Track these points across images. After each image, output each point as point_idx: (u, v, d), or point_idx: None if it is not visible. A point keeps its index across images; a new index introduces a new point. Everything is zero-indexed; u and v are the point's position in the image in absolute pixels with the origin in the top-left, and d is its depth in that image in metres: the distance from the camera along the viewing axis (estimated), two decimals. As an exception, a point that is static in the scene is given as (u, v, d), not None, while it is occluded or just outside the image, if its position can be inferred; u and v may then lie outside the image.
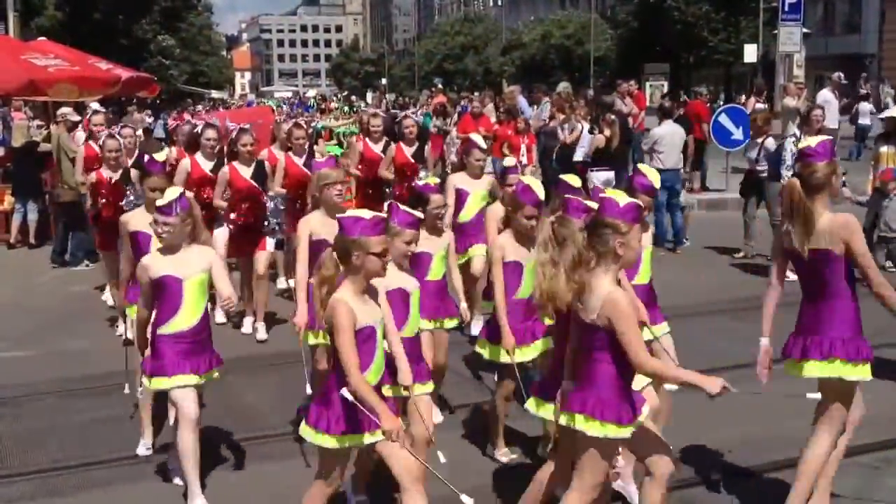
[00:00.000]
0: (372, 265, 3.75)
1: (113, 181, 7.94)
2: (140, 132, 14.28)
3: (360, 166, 9.78)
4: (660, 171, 11.60)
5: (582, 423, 3.60)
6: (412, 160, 9.34)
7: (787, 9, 21.97)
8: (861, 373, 4.07)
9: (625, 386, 3.63)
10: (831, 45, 43.80)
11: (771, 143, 10.16)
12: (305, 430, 3.90)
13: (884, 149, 9.77)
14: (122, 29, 37.77)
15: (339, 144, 15.41)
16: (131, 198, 7.06)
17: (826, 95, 17.09)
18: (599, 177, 12.13)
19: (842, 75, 18.23)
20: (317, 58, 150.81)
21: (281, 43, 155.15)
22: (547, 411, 3.98)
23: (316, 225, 5.42)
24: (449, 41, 71.58)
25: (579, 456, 3.67)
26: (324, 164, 5.95)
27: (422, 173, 8.94)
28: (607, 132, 12.54)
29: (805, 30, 31.50)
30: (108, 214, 7.78)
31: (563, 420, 3.69)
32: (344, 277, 3.78)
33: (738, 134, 14.35)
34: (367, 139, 9.98)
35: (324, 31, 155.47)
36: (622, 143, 12.67)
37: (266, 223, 8.07)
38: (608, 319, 3.49)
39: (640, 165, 5.47)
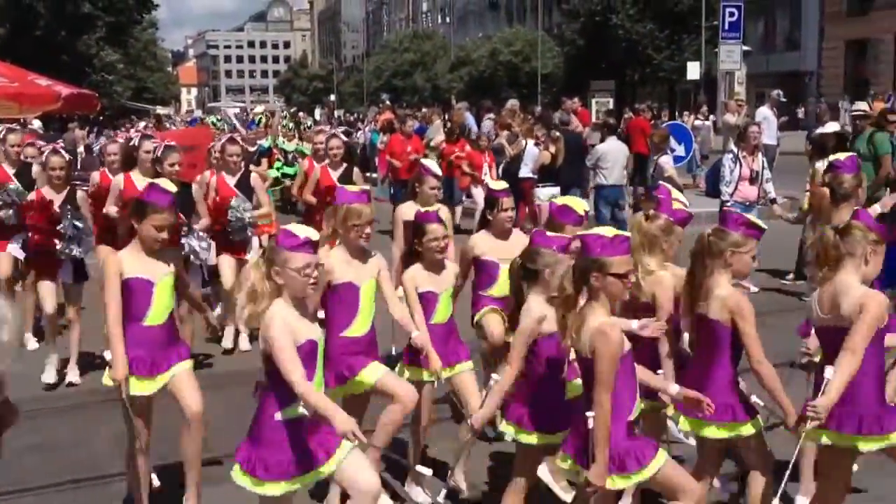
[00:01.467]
0: (613, 287, 3.53)
1: (51, 202, 7.09)
2: (81, 149, 14.07)
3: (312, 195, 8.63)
4: (603, 186, 11.92)
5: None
6: (338, 184, 7.97)
7: (727, 27, 22.45)
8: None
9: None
10: (772, 63, 44.80)
11: (665, 161, 10.35)
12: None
13: (818, 165, 9.99)
14: (65, 45, 37.22)
15: (288, 164, 15.19)
16: (69, 223, 6.88)
17: (765, 112, 17.45)
18: (544, 193, 12.29)
19: (780, 93, 18.65)
20: (265, 74, 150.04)
21: (228, 59, 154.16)
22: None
23: (337, 264, 4.70)
24: (397, 57, 71.74)
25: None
26: (355, 197, 4.77)
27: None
28: (552, 148, 12.69)
29: (746, 48, 32.18)
30: (39, 241, 7.13)
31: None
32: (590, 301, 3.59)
33: (679, 150, 14.62)
34: (323, 164, 8.74)
35: (272, 47, 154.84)
36: (576, 160, 12.81)
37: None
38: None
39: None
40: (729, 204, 9.23)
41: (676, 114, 37.04)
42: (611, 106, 27.90)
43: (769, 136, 16.95)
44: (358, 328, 4.69)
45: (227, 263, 7.85)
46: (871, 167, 9.65)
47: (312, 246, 3.69)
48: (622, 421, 3.52)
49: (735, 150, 9.50)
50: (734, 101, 18.55)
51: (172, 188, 4.77)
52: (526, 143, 13.33)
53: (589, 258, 3.53)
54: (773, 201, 9.92)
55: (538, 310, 3.97)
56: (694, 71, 34.06)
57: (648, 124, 17.03)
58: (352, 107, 68.84)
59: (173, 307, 4.76)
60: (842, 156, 5.09)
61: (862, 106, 10.57)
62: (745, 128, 9.79)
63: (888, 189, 9.49)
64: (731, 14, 22.49)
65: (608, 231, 3.60)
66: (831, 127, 10.67)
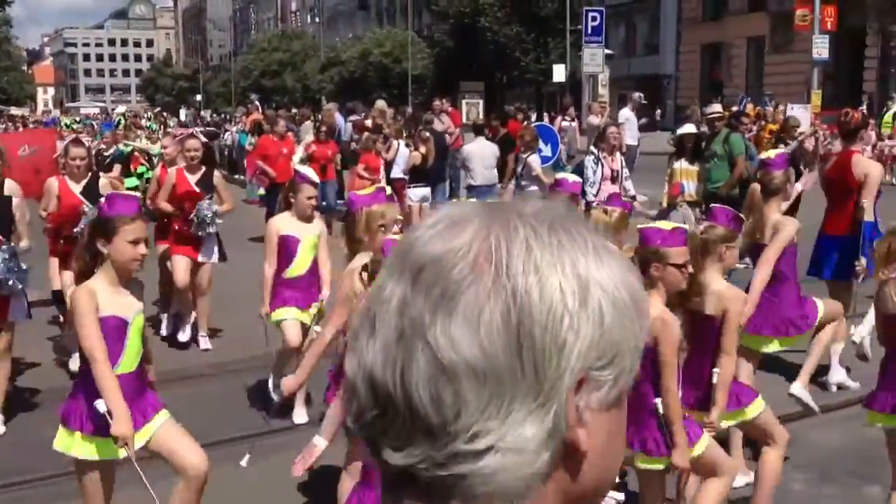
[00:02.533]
0: (672, 277, 3.61)
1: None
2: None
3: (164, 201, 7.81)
4: (471, 187, 12.02)
5: None
6: (196, 189, 7.59)
7: (590, 32, 23.06)
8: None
9: None
10: (633, 66, 46.34)
11: (534, 160, 10.58)
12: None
13: (677, 164, 10.37)
14: None
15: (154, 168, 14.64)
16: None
17: (626, 114, 18.01)
18: (416, 193, 12.32)
19: (641, 95, 19.29)
20: (126, 73, 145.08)
21: (87, 57, 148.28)
22: None
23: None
24: (266, 57, 70.61)
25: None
26: (370, 199, 4.43)
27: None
28: (423, 149, 12.73)
29: (608, 51, 33.14)
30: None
31: None
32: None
33: (546, 150, 14.88)
34: (179, 167, 7.91)
35: (133, 46, 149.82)
36: (438, 160, 12.92)
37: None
38: None
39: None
40: (594, 205, 9.46)
41: (544, 115, 37.87)
42: (481, 107, 28.25)
43: (631, 136, 17.51)
44: None
45: (181, 264, 7.59)
46: (727, 167, 10.07)
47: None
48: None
49: (595, 151, 9.73)
50: (598, 102, 19.07)
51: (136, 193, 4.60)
52: (399, 145, 13.34)
53: (649, 249, 3.61)
54: (633, 199, 10.23)
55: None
56: (559, 73, 34.83)
57: (520, 125, 17.29)
58: (219, 107, 67.26)
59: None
60: (772, 153, 5.59)
61: (717, 108, 11.03)
62: (604, 129, 10.03)
63: (737, 188, 9.90)
64: (594, 19, 23.13)
65: (666, 224, 3.76)
66: (689, 128, 11.06)
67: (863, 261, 4.64)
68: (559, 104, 34.51)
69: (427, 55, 53.58)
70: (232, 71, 79.60)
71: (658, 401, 3.57)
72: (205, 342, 7.91)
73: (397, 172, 12.94)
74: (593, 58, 23.17)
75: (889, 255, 3.86)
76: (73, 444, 3.74)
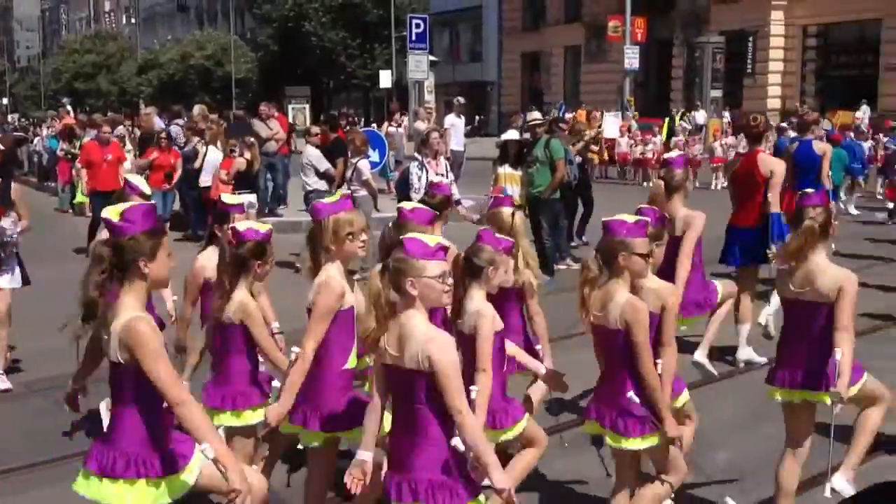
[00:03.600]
0: (637, 265, 3.78)
1: None
2: None
3: None
4: (310, 192, 11.84)
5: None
6: None
7: (414, 38, 23.31)
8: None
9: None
10: (458, 73, 47.22)
11: (364, 165, 10.63)
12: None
13: (501, 169, 10.63)
14: None
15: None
16: None
17: (452, 119, 18.30)
18: (242, 200, 12.01)
19: (461, 98, 19.67)
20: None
21: None
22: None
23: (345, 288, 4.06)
24: (78, 59, 67.17)
25: None
26: (338, 207, 4.16)
27: None
28: (248, 155, 12.46)
29: (433, 58, 33.61)
30: None
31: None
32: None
33: (374, 156, 14.92)
34: None
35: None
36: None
37: None
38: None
39: None
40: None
41: (372, 120, 37.97)
42: (308, 112, 27.98)
43: (456, 142, 17.82)
44: (354, 359, 4.15)
45: None
46: (548, 170, 10.40)
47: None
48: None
49: (420, 156, 9.82)
50: (424, 108, 19.28)
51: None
52: (207, 150, 13.04)
53: (615, 240, 3.84)
54: (458, 203, 10.41)
55: (486, 307, 3.90)
56: (386, 79, 35.02)
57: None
58: (28, 111, 63.44)
59: None
60: (674, 153, 6.34)
61: (536, 115, 11.38)
62: (427, 135, 10.14)
63: (558, 191, 10.23)
64: (418, 26, 23.40)
65: (630, 217, 3.97)
66: (512, 134, 11.36)
67: (773, 248, 5.03)
68: (386, 110, 34.72)
69: (250, 59, 52.58)
70: (41, 73, 75.28)
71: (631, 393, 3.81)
72: (3, 382, 6.92)
73: (206, 180, 12.65)
74: (418, 64, 23.43)
75: (797, 251, 4.17)
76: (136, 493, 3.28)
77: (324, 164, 11.29)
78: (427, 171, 9.78)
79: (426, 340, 3.14)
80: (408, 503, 3.17)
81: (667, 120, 27.06)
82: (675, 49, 36.24)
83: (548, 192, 10.42)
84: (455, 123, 18.12)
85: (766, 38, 33.00)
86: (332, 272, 3.99)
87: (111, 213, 3.26)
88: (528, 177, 10.52)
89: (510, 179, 10.68)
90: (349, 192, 9.91)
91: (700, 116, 29.21)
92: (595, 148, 16.16)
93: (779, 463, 4.29)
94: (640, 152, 22.82)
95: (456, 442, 3.13)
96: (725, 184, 20.21)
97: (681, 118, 27.00)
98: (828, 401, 3.96)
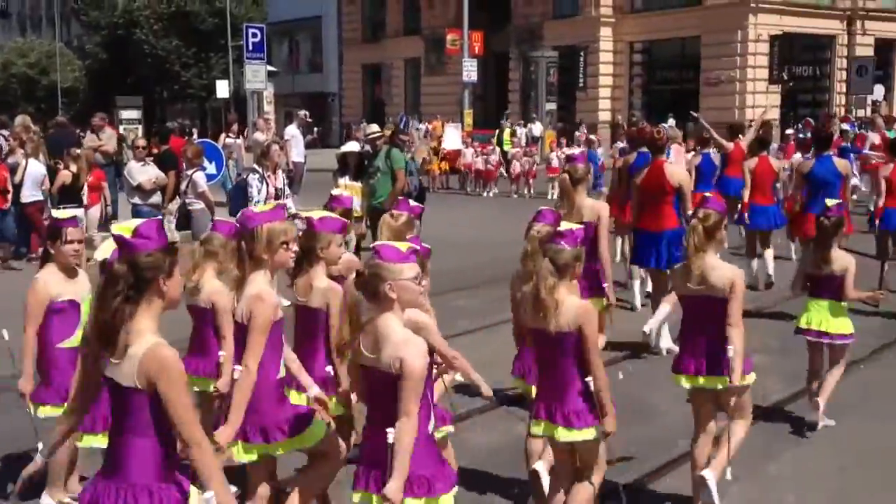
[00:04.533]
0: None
1: None
2: None
3: None
4: (136, 205, 11.39)
5: None
6: None
7: (251, 48, 22.88)
8: None
9: None
10: (298, 83, 46.75)
11: (199, 177, 10.39)
12: None
13: (341, 181, 10.55)
14: None
15: None
16: None
17: (292, 131, 18.08)
18: (66, 215, 11.41)
19: (307, 113, 19.46)
20: None
21: None
22: None
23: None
24: None
25: None
26: (271, 215, 4.14)
27: None
28: (74, 167, 11.88)
29: (272, 68, 33.10)
30: None
31: None
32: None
33: (211, 168, 14.53)
34: None
35: None
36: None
37: None
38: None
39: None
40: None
41: (208, 131, 37.00)
42: (140, 122, 26.85)
43: (297, 153, 17.60)
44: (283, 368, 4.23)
45: None
46: (389, 180, 10.40)
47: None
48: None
49: (260, 169, 9.63)
50: (262, 119, 18.95)
51: None
52: (27, 163, 12.38)
53: (578, 249, 4.08)
54: (295, 216, 10.28)
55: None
56: (223, 89, 34.24)
57: (184, 142, 16.69)
58: None
59: None
60: (576, 150, 7.84)
61: (374, 128, 11.37)
62: (268, 147, 9.97)
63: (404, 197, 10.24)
64: (255, 35, 22.98)
65: (577, 226, 4.24)
66: (351, 146, 11.32)
67: None
68: (224, 120, 33.89)
69: (78, 67, 50.25)
70: None
71: (589, 379, 3.99)
72: None
73: (27, 195, 12.05)
74: (256, 74, 23.02)
75: (694, 250, 4.57)
76: None
77: (138, 178, 10.96)
78: (267, 185, 9.60)
79: (402, 343, 3.28)
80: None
81: (496, 132, 27.76)
82: (511, 63, 37.19)
83: (389, 202, 10.42)
84: (295, 135, 17.90)
85: (596, 54, 34.37)
86: (263, 283, 3.98)
87: (121, 229, 3.03)
88: (370, 187, 10.50)
89: (351, 191, 10.62)
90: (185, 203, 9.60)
91: (536, 128, 30.09)
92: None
93: (693, 442, 4.74)
94: (482, 163, 23.27)
95: (389, 432, 3.22)
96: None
97: (512, 133, 27.71)
98: (727, 383, 4.48)
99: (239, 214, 4.29)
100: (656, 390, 6.38)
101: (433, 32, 38.88)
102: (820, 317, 5.87)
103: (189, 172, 10.44)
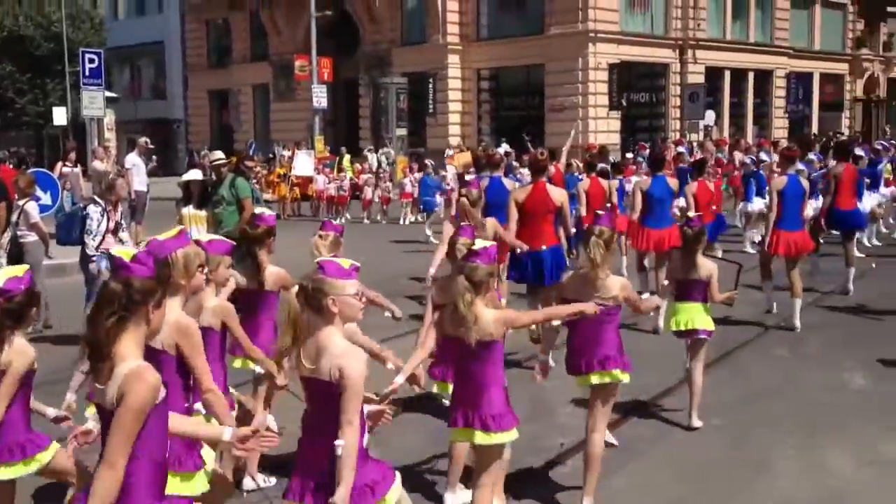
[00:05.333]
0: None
1: None
2: None
3: None
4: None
5: None
6: None
7: (88, 74, 21.95)
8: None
9: None
10: (141, 110, 45.28)
11: (32, 207, 9.93)
12: None
13: (185, 210, 10.24)
14: None
15: None
16: None
17: (134, 159, 17.43)
18: None
19: (148, 140, 18.82)
20: None
21: None
22: None
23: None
24: None
25: None
26: (179, 240, 4.24)
27: None
28: None
29: (112, 94, 31.95)
30: None
31: None
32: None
33: (46, 198, 13.82)
34: None
35: None
36: None
37: None
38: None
39: None
40: (94, 258, 8.97)
41: (45, 160, 35.26)
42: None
43: (140, 182, 16.98)
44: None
45: None
46: (237, 211, 10.15)
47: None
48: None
49: (102, 202, 9.25)
50: (101, 147, 18.20)
51: None
52: None
53: (492, 266, 4.35)
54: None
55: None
56: (60, 116, 32.79)
57: (14, 172, 15.79)
58: None
59: None
60: (471, 176, 8.57)
61: (219, 154, 11.08)
62: (114, 181, 9.62)
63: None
64: (92, 60, 22.06)
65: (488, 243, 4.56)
66: (194, 174, 11.01)
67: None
68: (62, 148, 32.36)
69: None
70: None
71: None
72: None
73: None
74: (93, 100, 22.07)
75: (595, 263, 5.01)
76: None
77: None
78: (108, 218, 9.24)
79: (340, 354, 3.42)
80: None
81: (337, 158, 27.73)
82: (361, 89, 37.27)
83: (236, 233, 10.17)
84: (137, 163, 17.27)
85: (444, 80, 34.90)
86: (178, 309, 4.06)
87: (122, 253, 3.11)
88: (215, 217, 10.23)
89: (195, 220, 10.33)
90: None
91: (387, 154, 30.22)
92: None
93: (587, 439, 5.12)
94: (334, 189, 23.13)
95: (337, 443, 3.33)
96: (413, 219, 21.14)
97: (351, 159, 27.71)
98: (619, 377, 5.09)
99: (147, 245, 4.22)
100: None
101: (281, 58, 38.53)
102: (688, 316, 6.42)
103: (21, 203, 9.89)
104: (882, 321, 9.89)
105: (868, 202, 13.61)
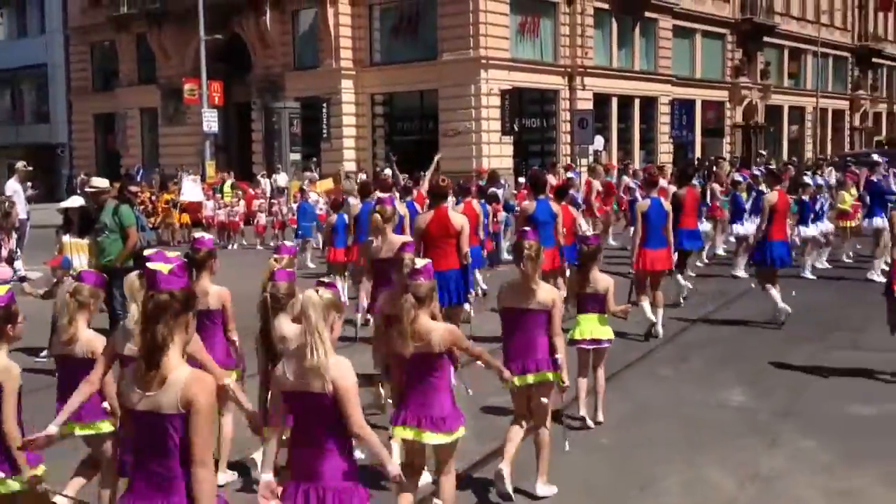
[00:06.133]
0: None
1: None
2: None
3: None
4: None
5: None
6: None
7: (-37, 96, 21.10)
8: None
9: None
10: (22, 134, 43.69)
11: None
12: None
13: (66, 238, 9.89)
14: None
15: None
16: None
17: (14, 186, 16.75)
18: None
19: (25, 163, 18.15)
20: None
21: None
22: None
23: None
24: None
25: None
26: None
27: None
28: None
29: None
30: None
31: None
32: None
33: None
34: None
35: None
36: None
37: None
38: None
39: None
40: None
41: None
42: None
43: (20, 209, 16.31)
44: None
45: None
46: (120, 239, 9.86)
47: None
48: None
49: (-1, 232, 8.91)
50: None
51: None
52: None
53: (433, 282, 4.92)
54: (24, 279, 9.52)
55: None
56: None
57: None
58: None
59: None
60: (385, 195, 8.53)
61: (100, 181, 10.74)
62: (10, 208, 9.29)
63: (132, 259, 9.71)
64: (-32, 83, 21.22)
65: (421, 261, 5.03)
66: (74, 201, 10.64)
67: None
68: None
69: None
70: None
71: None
72: None
73: None
74: (-31, 125, 21.20)
75: (528, 275, 5.57)
76: None
77: None
78: (2, 247, 8.90)
79: (332, 366, 3.65)
80: None
81: (220, 185, 27.32)
82: (253, 113, 36.82)
83: (120, 261, 9.86)
84: (17, 190, 16.58)
85: (338, 105, 34.82)
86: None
87: (160, 268, 3.23)
88: (98, 245, 9.91)
89: (76, 248, 10.00)
90: None
91: (281, 179, 29.87)
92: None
93: (508, 430, 5.71)
94: (224, 215, 22.74)
95: (357, 451, 3.80)
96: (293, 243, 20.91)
97: (230, 186, 27.25)
98: (551, 378, 5.53)
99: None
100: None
101: (170, 82, 37.75)
102: (590, 327, 6.96)
103: None
104: (761, 338, 10.29)
105: (809, 231, 14.23)
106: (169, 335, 3.14)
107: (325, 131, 34.84)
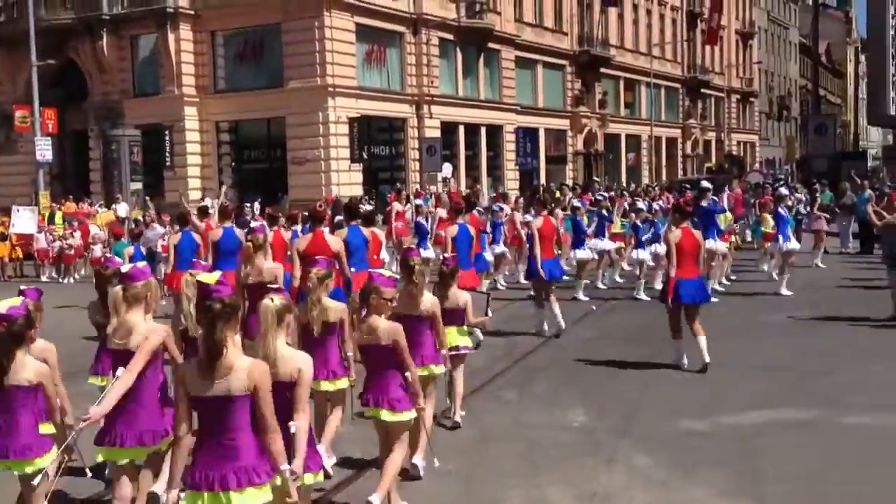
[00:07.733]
0: (383, 307, 5.75)
1: None
2: None
3: None
4: None
5: None
6: None
7: None
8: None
9: None
10: None
11: None
12: None
13: None
14: None
15: None
16: None
17: None
18: None
19: None
20: None
21: None
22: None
23: None
24: None
25: None
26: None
27: None
28: None
29: None
30: None
31: None
32: None
33: None
34: None
35: None
36: None
37: None
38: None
39: None
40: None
41: None
42: None
43: None
44: None
45: None
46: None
47: None
48: None
49: None
50: None
51: None
52: None
53: (372, 286, 5.60)
54: None
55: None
56: None
57: None
58: None
59: None
60: (258, 224, 9.76)
61: None
62: None
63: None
64: None
65: (387, 271, 5.92)
66: None
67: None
68: None
69: None
70: None
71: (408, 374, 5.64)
72: None
73: None
74: None
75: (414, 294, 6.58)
76: None
77: None
78: None
79: (294, 358, 4.39)
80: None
81: (46, 215, 26.18)
82: (91, 141, 35.43)
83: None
84: None
85: (182, 133, 33.95)
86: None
87: (209, 279, 4.01)
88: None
89: None
90: None
91: (122, 208, 28.75)
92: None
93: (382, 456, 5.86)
94: (58, 248, 21.67)
95: (292, 425, 4.18)
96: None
97: (60, 219, 26.15)
98: (382, 416, 5.72)
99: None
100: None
101: (0, 109, 35.81)
102: (451, 338, 7.50)
103: None
104: (602, 357, 10.64)
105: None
106: (225, 333, 3.88)
107: (168, 159, 33.87)
